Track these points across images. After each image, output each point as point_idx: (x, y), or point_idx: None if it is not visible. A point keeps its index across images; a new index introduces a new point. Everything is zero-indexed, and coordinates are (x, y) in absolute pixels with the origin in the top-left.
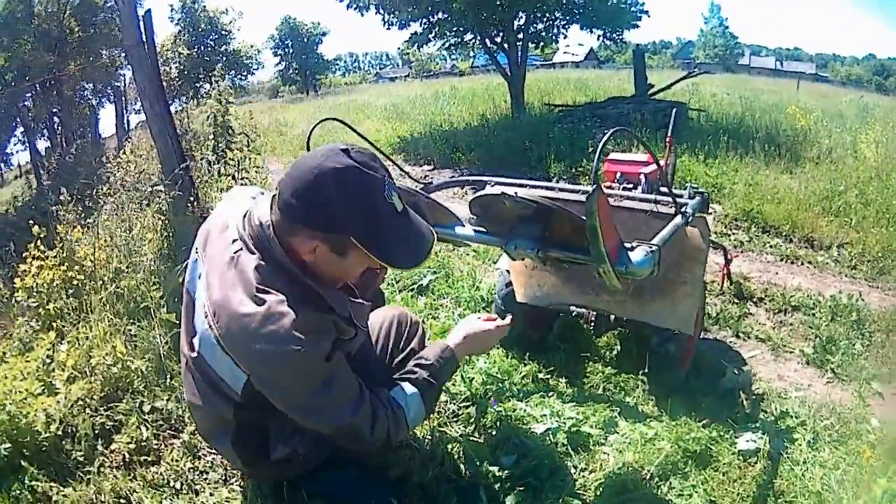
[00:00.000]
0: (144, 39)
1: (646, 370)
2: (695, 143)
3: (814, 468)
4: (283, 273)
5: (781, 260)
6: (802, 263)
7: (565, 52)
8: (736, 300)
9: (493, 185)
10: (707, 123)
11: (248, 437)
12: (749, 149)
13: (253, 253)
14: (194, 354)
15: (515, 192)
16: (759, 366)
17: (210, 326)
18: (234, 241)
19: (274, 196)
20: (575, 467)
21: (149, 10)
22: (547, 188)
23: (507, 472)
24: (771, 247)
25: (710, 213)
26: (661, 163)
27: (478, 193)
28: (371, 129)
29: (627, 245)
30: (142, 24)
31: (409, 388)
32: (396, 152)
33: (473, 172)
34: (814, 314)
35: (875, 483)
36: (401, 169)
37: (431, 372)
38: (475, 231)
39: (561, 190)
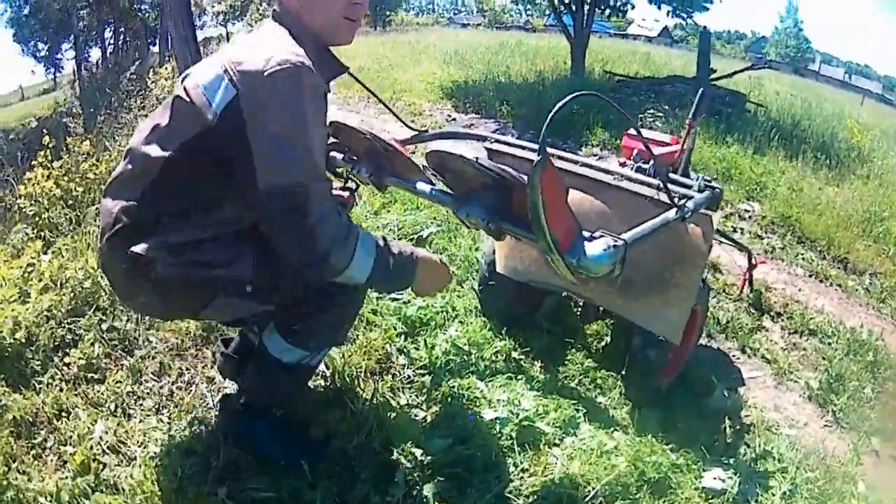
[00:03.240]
0: None
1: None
2: (746, 135)
3: None
4: (294, 35)
5: (810, 275)
6: (831, 284)
7: (640, 26)
8: (752, 310)
9: (492, 143)
10: (763, 118)
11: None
12: (799, 152)
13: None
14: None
15: (476, 158)
16: (756, 389)
17: (226, 70)
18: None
19: None
20: (515, 466)
21: None
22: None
23: (435, 457)
24: (803, 259)
25: (750, 212)
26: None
27: (435, 147)
28: (427, 71)
29: (587, 233)
30: None
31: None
32: (446, 97)
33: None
34: (829, 343)
35: None
36: (395, 115)
37: (390, 245)
38: (431, 189)
39: (560, 159)
